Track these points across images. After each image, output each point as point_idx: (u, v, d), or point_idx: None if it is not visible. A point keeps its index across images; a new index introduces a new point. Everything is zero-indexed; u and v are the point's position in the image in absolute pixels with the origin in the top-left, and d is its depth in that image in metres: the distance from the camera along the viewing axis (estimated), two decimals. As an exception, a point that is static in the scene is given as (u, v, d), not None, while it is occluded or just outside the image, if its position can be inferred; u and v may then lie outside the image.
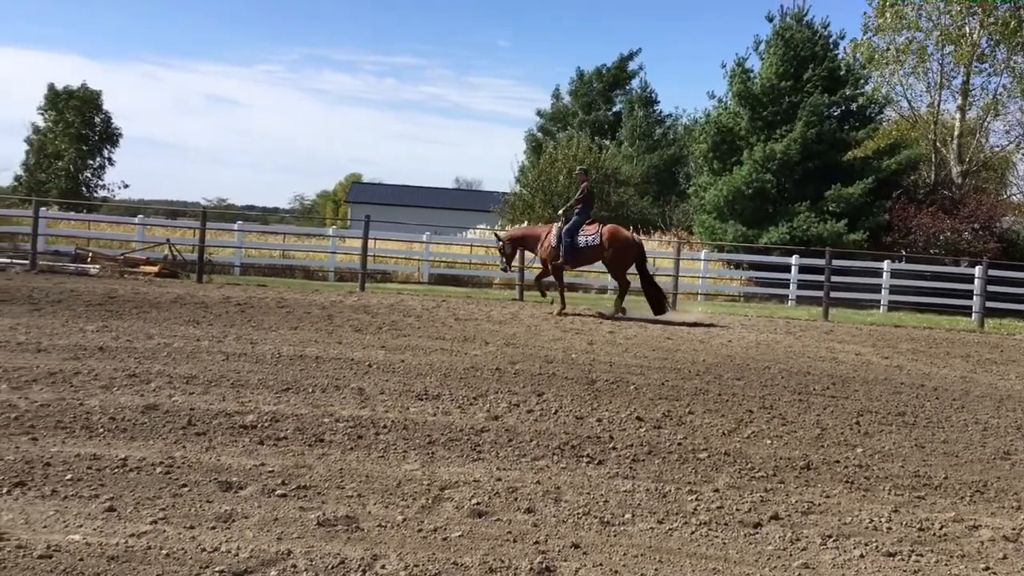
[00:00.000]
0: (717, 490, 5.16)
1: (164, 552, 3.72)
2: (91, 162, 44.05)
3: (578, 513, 4.58)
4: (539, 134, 48.69)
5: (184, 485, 4.58)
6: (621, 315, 15.49)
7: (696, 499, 4.96)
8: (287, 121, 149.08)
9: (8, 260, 18.57)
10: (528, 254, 18.43)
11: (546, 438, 6.12)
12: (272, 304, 14.16)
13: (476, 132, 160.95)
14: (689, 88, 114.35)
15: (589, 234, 15.23)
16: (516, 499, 4.74)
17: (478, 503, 4.62)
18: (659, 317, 15.37)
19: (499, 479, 5.08)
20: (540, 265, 16.63)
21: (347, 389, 7.36)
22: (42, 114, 43.76)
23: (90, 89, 43.87)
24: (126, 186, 46.00)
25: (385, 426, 6.15)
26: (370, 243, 20.84)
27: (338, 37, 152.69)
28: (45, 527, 3.92)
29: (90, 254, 20.26)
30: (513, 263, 17.55)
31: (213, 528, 4.02)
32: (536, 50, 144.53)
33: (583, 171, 16.25)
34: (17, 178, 42.44)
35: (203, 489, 4.55)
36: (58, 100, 43.28)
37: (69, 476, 4.61)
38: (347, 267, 24.00)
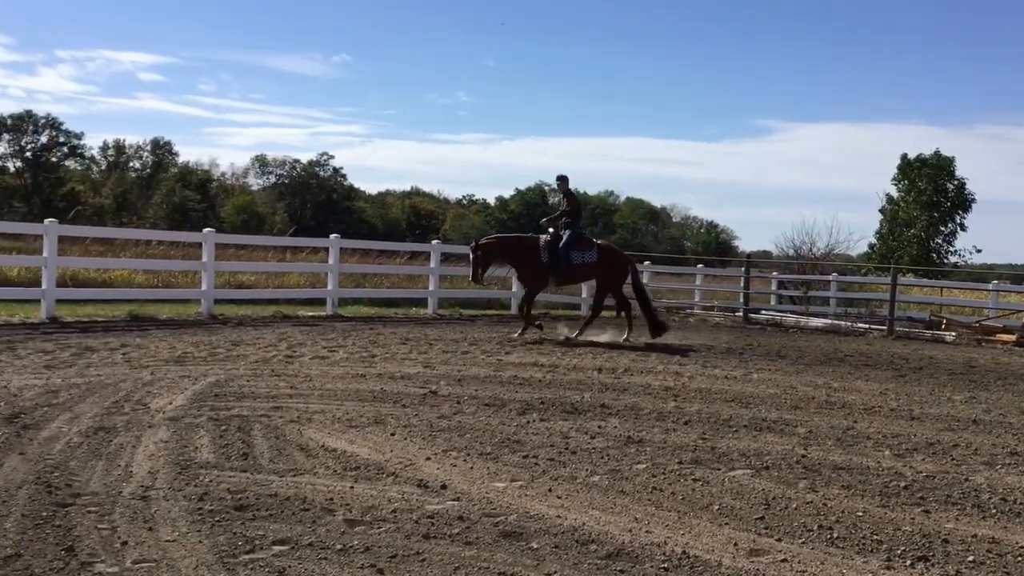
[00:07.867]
0: None
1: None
2: (942, 228, 44.14)
3: None
4: None
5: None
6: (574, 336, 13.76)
7: None
8: None
9: (866, 326, 19.48)
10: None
11: None
12: None
13: None
14: None
15: (584, 250, 13.82)
16: None
17: None
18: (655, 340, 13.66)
19: None
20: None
21: None
22: (895, 184, 45.51)
23: (943, 156, 44.08)
24: (978, 251, 44.69)
25: None
26: None
27: None
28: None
29: (944, 320, 20.09)
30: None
31: None
32: None
33: (562, 178, 14.23)
34: (870, 246, 44.79)
35: None
36: (910, 169, 44.53)
37: (971, 558, 4.43)
38: None
